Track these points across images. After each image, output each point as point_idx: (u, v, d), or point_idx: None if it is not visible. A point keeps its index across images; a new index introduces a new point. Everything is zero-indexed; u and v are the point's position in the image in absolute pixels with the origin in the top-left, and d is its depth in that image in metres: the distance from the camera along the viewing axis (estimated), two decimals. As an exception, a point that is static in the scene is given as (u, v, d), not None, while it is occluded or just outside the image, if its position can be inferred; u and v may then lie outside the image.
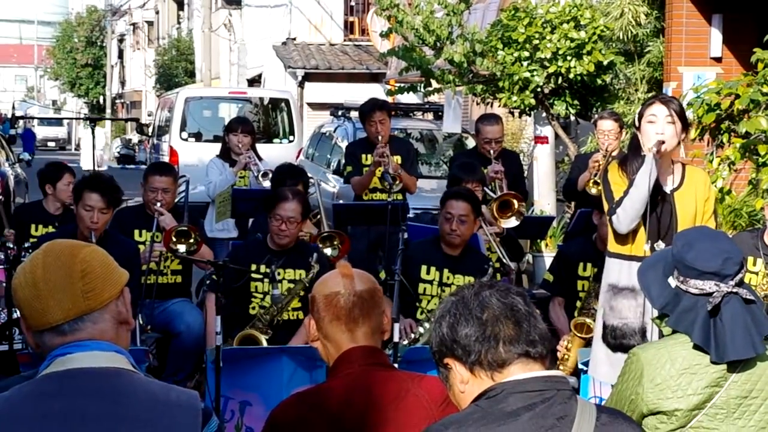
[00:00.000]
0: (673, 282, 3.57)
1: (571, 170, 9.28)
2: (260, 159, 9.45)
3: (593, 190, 8.44)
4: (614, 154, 8.59)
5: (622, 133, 8.99)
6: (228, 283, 6.44)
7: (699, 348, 3.49)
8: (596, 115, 9.51)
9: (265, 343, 6.37)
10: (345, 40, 29.37)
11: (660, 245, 5.26)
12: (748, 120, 8.74)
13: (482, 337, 2.54)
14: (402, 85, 14.13)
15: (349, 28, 29.74)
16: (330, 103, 18.89)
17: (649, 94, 13.16)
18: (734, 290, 3.48)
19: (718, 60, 12.00)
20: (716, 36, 11.95)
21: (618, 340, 5.23)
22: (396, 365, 5.48)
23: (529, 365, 2.54)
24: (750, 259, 6.42)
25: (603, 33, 12.34)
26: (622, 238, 5.38)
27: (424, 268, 6.58)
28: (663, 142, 5.27)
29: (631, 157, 5.36)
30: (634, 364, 3.57)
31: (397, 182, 8.90)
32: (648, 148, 5.29)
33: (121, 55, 60.66)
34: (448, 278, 6.63)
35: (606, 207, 5.43)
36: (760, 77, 8.92)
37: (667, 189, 5.41)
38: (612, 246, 5.44)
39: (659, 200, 5.36)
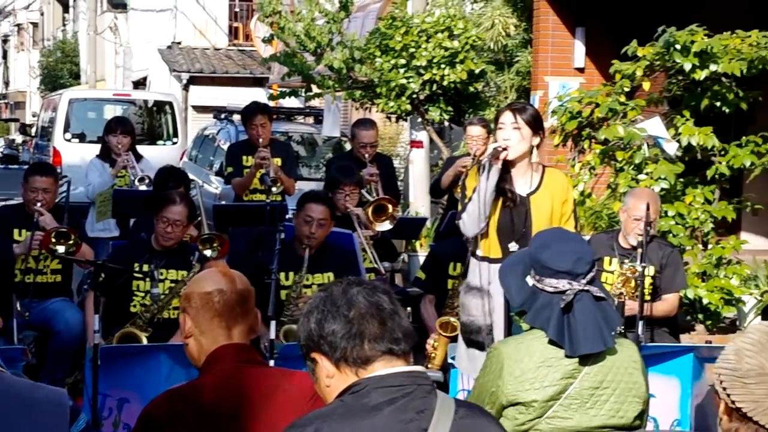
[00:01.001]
0: (530, 281, 3.66)
1: (441, 171, 9.39)
2: (139, 160, 9.33)
3: (459, 195, 8.55)
4: (482, 159, 8.71)
5: (489, 139, 9.12)
6: (109, 281, 6.38)
7: (554, 342, 3.58)
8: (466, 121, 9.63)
9: (145, 341, 6.32)
10: (229, 45, 29.18)
11: (514, 247, 5.35)
12: (607, 128, 8.95)
13: (348, 334, 2.57)
14: (284, 89, 14.11)
15: (233, 33, 29.56)
16: (214, 106, 18.79)
17: (519, 101, 13.37)
18: (585, 288, 3.59)
19: (581, 70, 12.25)
20: (579, 48, 12.20)
21: (467, 336, 5.31)
22: (272, 362, 5.51)
23: (393, 362, 2.58)
24: (606, 259, 6.59)
25: (475, 43, 12.50)
26: (475, 240, 5.45)
27: (282, 275, 6.57)
28: (505, 149, 5.33)
29: (487, 163, 5.44)
30: (495, 357, 3.65)
31: (278, 184, 8.89)
32: (486, 155, 5.37)
33: (5, 56, 59.22)
34: (307, 279, 6.64)
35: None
36: (617, 87, 9.14)
37: (524, 192, 5.47)
38: (472, 245, 5.53)
39: (515, 204, 5.42)
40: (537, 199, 5.46)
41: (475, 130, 8.75)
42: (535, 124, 5.42)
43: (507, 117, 5.41)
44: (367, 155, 8.77)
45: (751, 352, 2.45)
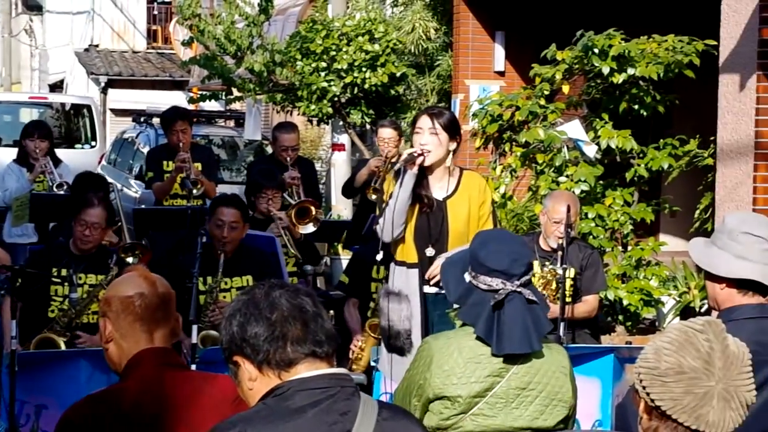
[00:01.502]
0: (467, 277, 3.68)
1: (353, 172, 9.41)
2: (57, 164, 9.20)
3: (374, 196, 8.58)
4: (393, 160, 8.74)
5: (401, 141, 9.15)
6: (26, 286, 6.27)
7: (484, 340, 3.60)
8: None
9: (63, 346, 6.22)
10: (148, 48, 28.92)
11: (430, 252, 5.37)
12: (527, 130, 9.03)
13: (271, 337, 2.55)
14: (204, 93, 14.06)
15: (152, 36, 29.30)
16: (133, 109, 18.58)
17: (439, 105, 13.44)
18: (518, 290, 3.61)
19: (502, 74, 12.35)
20: (499, 51, 12.29)
21: (387, 340, 5.34)
22: (194, 366, 5.46)
23: (316, 364, 2.57)
24: (527, 261, 6.62)
25: (396, 46, 12.54)
26: (393, 244, 5.45)
27: (200, 279, 6.53)
28: (421, 154, 5.32)
29: (403, 168, 5.43)
30: (426, 351, 3.67)
31: (199, 187, 8.83)
32: (402, 160, 5.36)
33: None
34: (225, 282, 6.60)
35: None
36: (537, 91, 9.23)
37: (440, 197, 5.47)
38: (392, 250, 5.54)
39: (431, 209, 5.42)
40: (454, 203, 5.46)
41: (386, 132, 8.79)
42: (452, 129, 5.42)
43: (424, 121, 5.41)
44: (288, 158, 8.76)
45: (669, 351, 2.48)
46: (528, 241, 6.75)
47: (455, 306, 3.81)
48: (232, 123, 16.75)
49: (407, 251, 5.41)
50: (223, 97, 13.72)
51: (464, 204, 5.43)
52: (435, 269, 5.26)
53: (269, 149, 14.79)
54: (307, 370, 2.55)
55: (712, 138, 8.73)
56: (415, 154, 5.32)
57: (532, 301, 3.62)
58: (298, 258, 7.64)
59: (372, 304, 6.79)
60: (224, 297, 6.54)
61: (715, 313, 3.92)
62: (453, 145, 5.41)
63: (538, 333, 3.61)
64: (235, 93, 13.26)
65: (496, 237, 3.78)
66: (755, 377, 3.68)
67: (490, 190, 5.70)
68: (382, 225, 5.32)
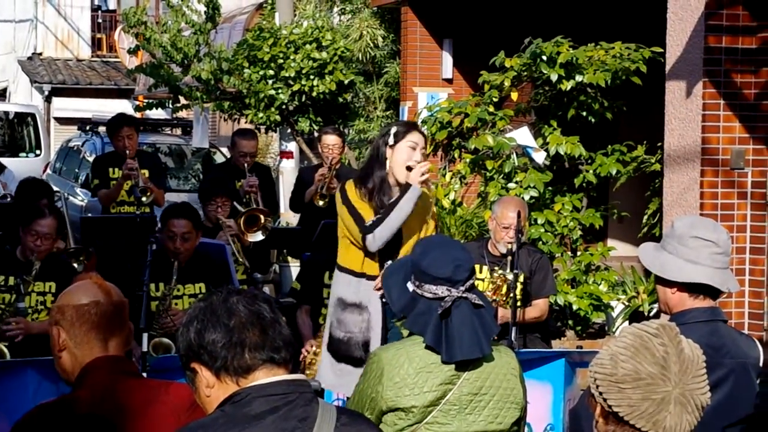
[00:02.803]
0: (410, 286, 3.67)
1: (295, 183, 9.40)
2: (1, 171, 9.10)
3: (320, 203, 8.57)
4: (337, 166, 8.74)
5: (344, 148, 9.16)
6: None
7: (433, 348, 3.60)
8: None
9: (8, 356, 6.14)
10: (93, 57, 28.69)
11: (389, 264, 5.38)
12: (476, 137, 9.08)
13: (229, 343, 2.53)
14: (151, 101, 13.94)
15: (96, 44, 29.07)
16: (78, 118, 18.43)
17: (387, 112, 13.48)
18: (464, 295, 3.61)
19: (450, 81, 12.40)
20: (447, 59, 12.34)
21: (342, 352, 5.34)
22: (145, 375, 5.40)
23: (274, 370, 2.55)
24: (477, 266, 6.65)
25: (344, 54, 12.55)
26: (353, 255, 5.46)
27: (152, 285, 6.49)
28: (429, 171, 5.44)
29: (373, 173, 5.43)
30: (375, 363, 3.64)
31: (149, 194, 8.79)
32: (417, 180, 5.37)
33: None
34: (178, 289, 6.57)
35: (349, 225, 5.43)
36: (486, 98, 9.28)
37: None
38: (342, 260, 5.51)
39: None
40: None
41: (330, 139, 8.79)
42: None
43: (419, 139, 5.48)
44: (246, 165, 8.75)
45: (625, 357, 2.48)
46: (477, 247, 6.78)
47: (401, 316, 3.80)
48: (179, 131, 16.67)
49: (369, 263, 5.41)
50: (170, 106, 13.63)
51: (414, 216, 5.44)
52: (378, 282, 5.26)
53: (216, 157, 14.75)
54: (265, 376, 2.54)
55: (659, 144, 8.82)
56: (424, 170, 5.39)
57: (479, 305, 3.62)
58: (247, 266, 7.61)
59: (324, 311, 6.77)
60: (176, 304, 6.51)
61: (666, 317, 3.96)
62: None
63: (487, 337, 3.61)
64: (182, 101, 13.19)
65: (437, 244, 3.77)
66: (708, 379, 3.74)
67: (433, 198, 5.73)
68: (379, 235, 5.33)
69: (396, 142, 5.45)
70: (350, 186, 5.53)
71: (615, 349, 2.52)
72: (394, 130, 5.51)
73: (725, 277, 3.73)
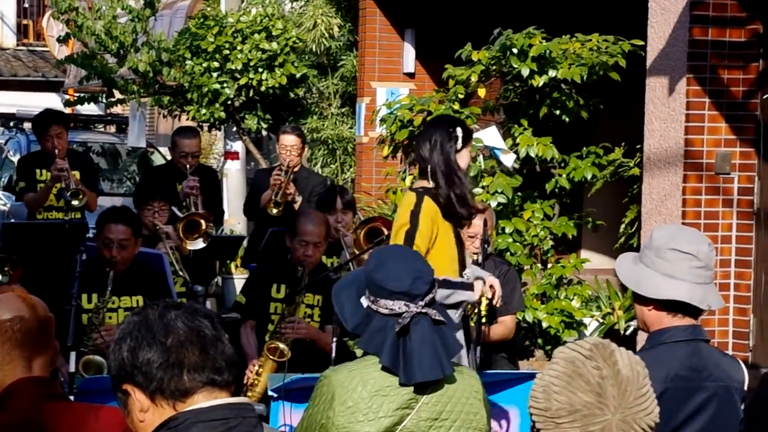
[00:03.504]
0: (365, 302, 3.65)
1: (250, 187, 9.39)
2: None
3: (274, 211, 8.56)
4: (296, 170, 8.74)
5: (304, 149, 9.15)
6: None
7: (389, 369, 3.60)
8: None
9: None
10: (18, 45, 28.50)
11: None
12: (440, 137, 9.07)
13: (165, 363, 2.51)
14: (82, 95, 13.89)
15: (22, 31, 28.87)
16: (1, 113, 18.27)
17: (343, 109, 13.48)
18: (424, 311, 3.60)
19: (411, 76, 12.42)
20: (409, 51, 12.37)
21: None
22: (72, 398, 5.37)
23: (215, 393, 2.54)
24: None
25: (296, 45, 12.54)
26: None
27: (85, 296, 6.46)
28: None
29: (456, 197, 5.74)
30: (326, 387, 3.63)
31: (81, 198, 8.75)
32: (477, 294, 5.77)
33: None
34: (113, 302, 6.54)
35: (399, 239, 5.65)
36: (451, 94, 9.30)
37: None
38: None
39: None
40: None
41: (289, 139, 8.79)
42: None
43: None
44: (188, 166, 8.73)
45: (558, 388, 2.50)
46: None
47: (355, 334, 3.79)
48: (113, 128, 16.59)
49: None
50: (104, 100, 13.57)
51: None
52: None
53: (154, 157, 14.70)
54: (205, 399, 2.53)
55: (638, 146, 8.88)
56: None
57: (440, 322, 3.62)
58: (186, 278, 7.59)
59: (271, 327, 6.77)
60: (110, 318, 6.48)
61: (644, 336, 3.98)
62: None
63: (449, 356, 3.61)
64: (117, 95, 13.13)
65: (393, 255, 3.76)
66: (687, 404, 3.77)
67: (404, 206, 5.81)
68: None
69: (463, 146, 5.74)
70: (430, 206, 5.75)
71: (547, 380, 2.53)
72: (460, 132, 5.74)
73: (706, 293, 3.75)
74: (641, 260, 3.85)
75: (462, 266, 5.89)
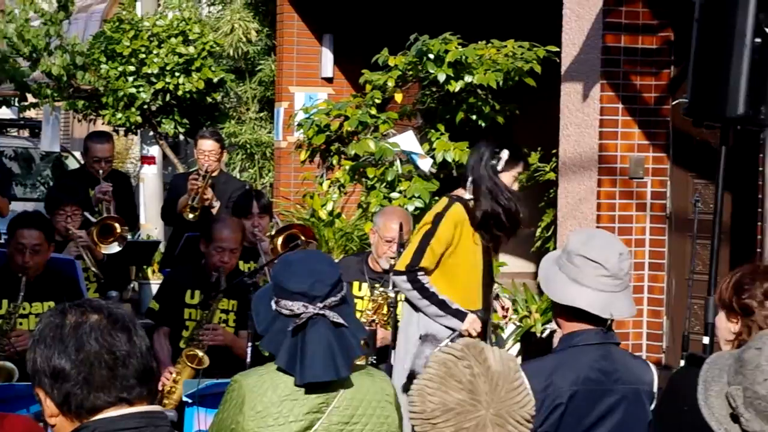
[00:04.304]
0: (273, 304, 3.67)
1: (168, 191, 9.33)
2: None
3: (191, 216, 8.51)
4: (214, 174, 8.71)
5: (223, 154, 9.11)
6: None
7: (284, 370, 3.60)
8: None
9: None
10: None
11: None
12: (357, 142, 9.09)
13: (74, 379, 2.46)
14: (-6, 98, 13.69)
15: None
16: None
17: (261, 114, 13.45)
18: (321, 312, 3.60)
19: (330, 80, 12.42)
20: (327, 56, 12.36)
21: None
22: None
23: (124, 407, 2.51)
24: (356, 284, 6.66)
25: (213, 49, 12.49)
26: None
27: None
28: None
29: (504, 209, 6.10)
30: (236, 391, 3.62)
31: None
32: (465, 328, 6.09)
33: None
34: (24, 308, 6.48)
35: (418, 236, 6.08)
36: (368, 99, 9.31)
37: None
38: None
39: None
40: None
41: (207, 144, 8.75)
42: None
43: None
44: (101, 171, 8.66)
45: (432, 389, 2.54)
46: (357, 262, 6.80)
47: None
48: (26, 133, 16.40)
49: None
50: (16, 104, 13.40)
51: None
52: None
53: (69, 162, 14.55)
54: (115, 410, 2.50)
55: (554, 151, 8.96)
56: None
57: (339, 324, 3.62)
58: (101, 281, 7.52)
59: (185, 333, 6.73)
60: (21, 324, 6.41)
61: (558, 335, 4.03)
62: None
63: (346, 358, 3.61)
64: (30, 99, 12.97)
65: (300, 258, 3.78)
66: (596, 407, 3.82)
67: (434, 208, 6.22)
68: (410, 296, 6.17)
69: (504, 168, 6.10)
70: (454, 219, 6.11)
71: (422, 383, 2.57)
72: (505, 155, 6.08)
73: (611, 302, 3.78)
74: (557, 262, 3.89)
75: (488, 276, 6.30)
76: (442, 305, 6.02)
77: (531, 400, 2.57)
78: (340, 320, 3.60)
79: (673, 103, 8.24)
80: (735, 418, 2.58)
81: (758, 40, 5.96)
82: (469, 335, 5.94)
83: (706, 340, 5.72)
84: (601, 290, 3.78)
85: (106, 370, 2.49)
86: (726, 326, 3.72)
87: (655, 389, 3.95)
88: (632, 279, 8.23)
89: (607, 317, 3.79)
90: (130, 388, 2.50)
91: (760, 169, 7.50)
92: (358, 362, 3.78)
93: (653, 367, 4.05)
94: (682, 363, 5.91)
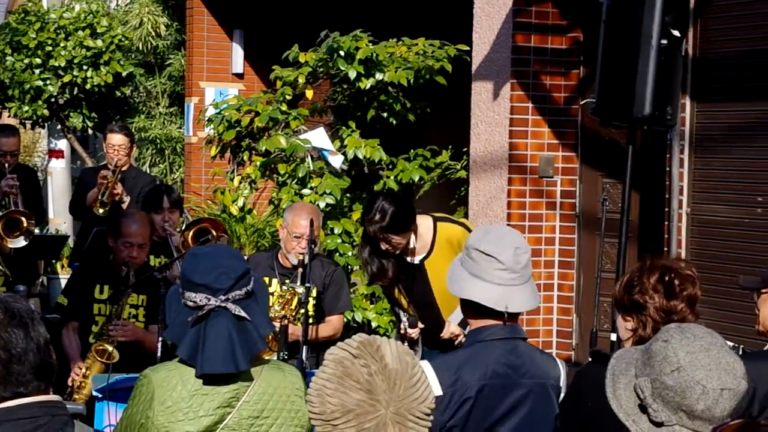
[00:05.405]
0: (180, 297, 3.68)
1: (76, 185, 9.27)
2: None
3: (101, 211, 8.46)
4: (124, 169, 8.67)
5: (133, 148, 9.06)
6: None
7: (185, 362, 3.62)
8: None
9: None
10: None
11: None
12: (267, 138, 9.09)
13: None
14: None
15: None
16: None
17: (171, 109, 13.38)
18: (224, 305, 3.63)
19: (240, 76, 12.40)
20: (238, 52, 12.35)
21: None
22: None
23: (22, 400, 2.52)
24: (265, 279, 6.67)
25: (122, 43, 12.41)
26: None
27: None
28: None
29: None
30: (146, 386, 3.63)
31: None
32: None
33: None
34: None
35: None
36: (279, 95, 9.31)
37: (416, 260, 6.23)
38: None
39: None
40: (431, 264, 6.24)
41: (117, 138, 8.71)
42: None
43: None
44: (7, 165, 8.57)
45: (330, 390, 2.57)
46: (267, 258, 6.80)
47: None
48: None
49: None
50: None
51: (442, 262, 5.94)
52: (447, 331, 6.09)
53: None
54: (12, 400, 2.50)
55: (465, 149, 9.04)
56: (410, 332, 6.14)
57: (242, 318, 3.64)
58: (8, 276, 7.45)
59: (95, 328, 6.69)
60: None
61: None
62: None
63: (246, 352, 3.62)
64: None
65: (207, 252, 3.80)
66: (504, 401, 3.89)
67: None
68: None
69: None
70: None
71: (320, 383, 2.60)
72: None
73: (508, 295, 3.84)
74: (460, 258, 3.96)
75: None
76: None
77: (430, 394, 2.61)
78: (243, 314, 3.62)
79: (582, 102, 8.37)
80: (643, 408, 2.64)
81: (664, 41, 6.10)
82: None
83: (614, 336, 5.81)
84: (498, 284, 3.83)
85: (1, 367, 2.51)
86: (623, 325, 3.82)
87: (563, 384, 4.03)
88: (542, 276, 8.38)
89: (502, 310, 3.85)
90: (26, 383, 2.53)
91: (667, 168, 7.65)
92: (266, 356, 3.81)
93: (561, 363, 4.12)
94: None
